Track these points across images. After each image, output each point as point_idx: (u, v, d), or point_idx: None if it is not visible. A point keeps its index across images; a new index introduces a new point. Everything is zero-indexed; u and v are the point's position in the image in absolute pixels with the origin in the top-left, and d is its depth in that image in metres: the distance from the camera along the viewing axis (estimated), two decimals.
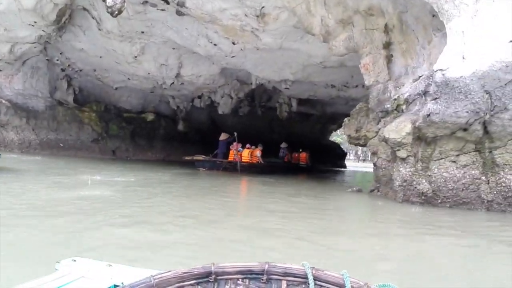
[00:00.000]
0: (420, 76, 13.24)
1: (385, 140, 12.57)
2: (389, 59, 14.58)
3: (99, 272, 2.74)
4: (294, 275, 2.56)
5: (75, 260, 2.86)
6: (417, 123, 11.54)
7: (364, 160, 74.03)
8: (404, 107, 12.88)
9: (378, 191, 14.53)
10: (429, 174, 11.77)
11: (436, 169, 11.72)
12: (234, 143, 23.92)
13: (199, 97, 28.79)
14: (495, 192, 11.15)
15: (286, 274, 2.57)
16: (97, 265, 2.86)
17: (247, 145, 24.75)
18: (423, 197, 11.77)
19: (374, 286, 2.41)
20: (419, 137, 11.77)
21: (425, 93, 12.14)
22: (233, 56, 20.00)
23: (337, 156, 44.88)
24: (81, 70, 26.79)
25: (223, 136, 25.18)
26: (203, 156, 23.11)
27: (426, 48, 13.48)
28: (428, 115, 11.14)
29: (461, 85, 10.69)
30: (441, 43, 12.79)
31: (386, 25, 14.22)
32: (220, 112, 28.27)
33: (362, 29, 14.70)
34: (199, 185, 15.56)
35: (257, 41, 17.75)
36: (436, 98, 11.11)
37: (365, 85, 15.17)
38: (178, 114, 31.85)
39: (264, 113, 33.70)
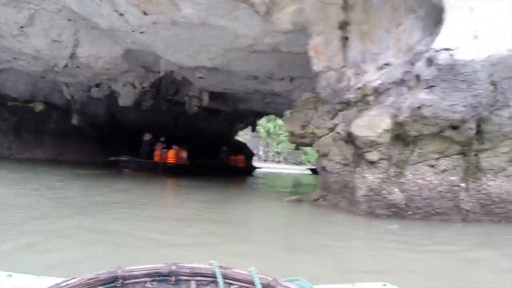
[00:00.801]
0: (385, 64, 10.72)
1: (352, 139, 9.81)
2: (343, 42, 11.84)
3: None
4: (203, 275, 2.56)
5: None
6: (400, 118, 8.85)
7: (265, 161, 71.94)
8: (371, 98, 10.19)
9: (325, 200, 11.86)
10: (402, 181, 9.28)
11: (411, 175, 9.33)
12: (159, 143, 23.80)
13: (97, 85, 24.71)
14: (473, 201, 9.15)
15: (194, 274, 2.56)
16: None
17: (173, 146, 24.05)
18: (392, 209, 9.29)
19: (282, 280, 2.45)
20: (398, 136, 9.11)
21: (401, 82, 9.62)
22: (141, 32, 16.23)
23: (245, 156, 42.14)
24: None
25: (147, 136, 24.78)
26: (127, 156, 22.36)
27: (391, 32, 10.97)
28: (419, 108, 8.46)
29: (468, 71, 8.29)
30: (414, 27, 10.43)
31: (345, 1, 11.49)
32: (121, 103, 24.30)
33: (315, 2, 11.83)
34: (101, 190, 12.54)
35: (175, 11, 14.19)
36: (431, 86, 8.46)
37: (313, 71, 12.27)
38: (72, 105, 27.31)
39: (170, 108, 30.08)
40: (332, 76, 11.74)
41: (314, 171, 50.42)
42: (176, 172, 22.20)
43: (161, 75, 20.95)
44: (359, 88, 10.45)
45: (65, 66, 20.84)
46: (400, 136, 9.07)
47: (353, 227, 8.83)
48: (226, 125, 39.21)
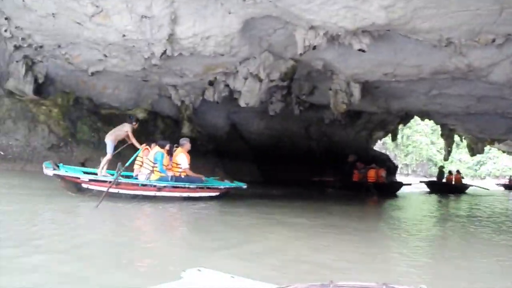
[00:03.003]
0: None
1: None
2: None
3: (222, 284, 2.75)
4: None
5: (200, 270, 2.87)
6: None
7: (407, 174, 60.75)
8: None
9: None
10: None
11: None
12: (357, 163, 23.47)
13: (211, 83, 17.62)
14: None
15: None
16: (220, 276, 2.85)
17: (372, 165, 23.38)
18: None
19: None
20: None
21: None
22: None
23: (387, 170, 33.67)
24: (41, 47, 16.24)
25: (351, 158, 24.56)
26: (332, 177, 22.68)
27: None
28: None
29: None
30: None
31: None
32: (242, 104, 16.76)
33: None
34: None
35: None
36: None
37: None
38: (182, 112, 20.65)
39: (302, 114, 22.54)
40: None
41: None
42: (385, 191, 21.56)
43: (299, 52, 13.05)
44: None
45: (165, 54, 14.03)
46: None
47: None
48: (365, 134, 31.20)
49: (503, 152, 44.18)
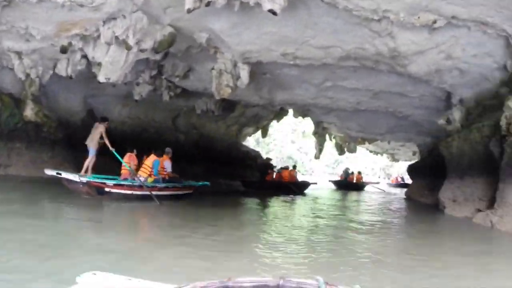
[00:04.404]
0: None
1: None
2: None
3: (119, 286, 2.64)
4: None
5: (95, 274, 2.76)
6: None
7: None
8: None
9: None
10: None
11: None
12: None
13: (64, 51, 13.48)
14: None
15: None
16: (116, 279, 2.75)
17: (287, 166, 25.82)
18: None
19: None
20: None
21: None
22: None
23: (258, 167, 31.49)
24: None
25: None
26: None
27: None
28: None
29: None
30: None
31: None
32: (102, 78, 12.74)
33: None
34: None
35: None
36: None
37: None
38: (26, 90, 16.19)
39: (171, 101, 19.01)
40: None
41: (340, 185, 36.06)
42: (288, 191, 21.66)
43: (186, 9, 9.43)
44: None
45: None
46: None
47: None
48: (236, 129, 28.68)
49: (371, 152, 44.23)
